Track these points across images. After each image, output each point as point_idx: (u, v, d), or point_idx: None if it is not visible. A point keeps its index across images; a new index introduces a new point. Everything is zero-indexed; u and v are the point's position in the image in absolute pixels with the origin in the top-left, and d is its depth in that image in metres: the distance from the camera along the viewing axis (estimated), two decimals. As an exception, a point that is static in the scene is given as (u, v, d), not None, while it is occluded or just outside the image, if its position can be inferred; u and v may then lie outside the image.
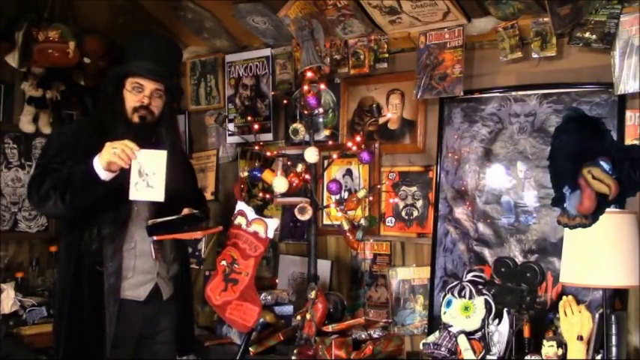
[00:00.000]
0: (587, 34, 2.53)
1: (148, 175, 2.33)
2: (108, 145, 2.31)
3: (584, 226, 2.21)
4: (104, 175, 2.32)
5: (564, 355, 2.34)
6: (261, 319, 2.81)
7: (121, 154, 2.29)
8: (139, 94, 2.51)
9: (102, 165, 2.31)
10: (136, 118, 2.52)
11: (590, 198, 2.17)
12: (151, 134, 2.57)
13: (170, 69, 2.68)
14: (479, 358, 2.46)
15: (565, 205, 2.24)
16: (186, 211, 2.54)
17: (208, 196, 3.73)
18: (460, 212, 2.92)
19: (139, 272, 2.53)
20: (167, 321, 2.65)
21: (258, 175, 2.90)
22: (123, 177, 2.36)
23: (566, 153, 2.26)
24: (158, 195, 2.35)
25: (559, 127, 2.34)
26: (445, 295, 2.65)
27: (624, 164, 2.18)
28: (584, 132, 2.25)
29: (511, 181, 2.80)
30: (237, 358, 2.74)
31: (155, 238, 2.50)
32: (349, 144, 2.83)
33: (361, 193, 2.80)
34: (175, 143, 2.67)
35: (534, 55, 2.72)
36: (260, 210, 3.43)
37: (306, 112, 2.90)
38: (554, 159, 2.31)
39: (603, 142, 2.24)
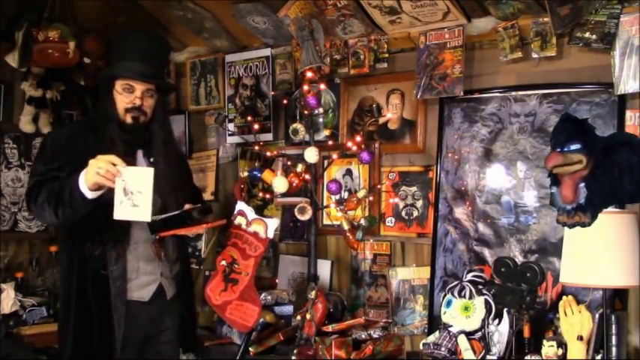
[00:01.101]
0: (587, 34, 2.53)
1: (133, 193, 2.23)
2: (92, 163, 2.25)
3: (583, 225, 2.21)
4: (90, 195, 2.29)
5: (564, 355, 2.34)
6: (261, 319, 2.81)
7: (106, 173, 2.23)
8: (130, 95, 2.50)
9: (87, 185, 2.27)
10: (128, 119, 2.51)
11: (567, 186, 2.19)
12: (145, 134, 2.57)
13: (159, 68, 2.67)
14: (479, 358, 2.46)
15: (556, 202, 2.26)
16: (187, 206, 2.54)
17: (208, 196, 3.73)
18: (460, 212, 2.92)
19: (143, 273, 2.53)
20: (170, 320, 2.66)
21: (258, 175, 2.90)
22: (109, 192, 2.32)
23: None
24: (144, 214, 2.24)
25: (551, 133, 2.36)
26: (445, 295, 2.65)
27: (597, 149, 2.18)
28: (570, 133, 2.26)
29: (511, 181, 2.80)
30: (237, 358, 2.74)
31: (158, 235, 2.51)
32: (349, 144, 2.83)
33: (361, 193, 2.80)
34: (168, 142, 2.66)
35: (534, 55, 2.72)
36: (260, 210, 3.42)
37: (306, 112, 2.90)
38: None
39: (586, 138, 2.24)
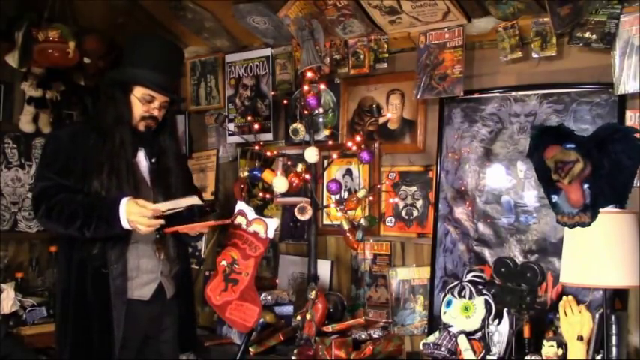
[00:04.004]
0: (587, 34, 2.53)
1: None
2: (133, 213, 2.32)
3: (583, 225, 2.21)
4: (127, 226, 2.36)
5: (564, 355, 2.34)
6: (261, 319, 2.81)
7: (148, 227, 2.35)
8: (148, 104, 2.51)
9: (128, 223, 2.34)
10: (141, 127, 2.52)
11: (572, 191, 2.19)
12: (151, 139, 2.59)
13: (177, 79, 2.68)
14: (479, 358, 2.46)
15: (562, 209, 2.27)
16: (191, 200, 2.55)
17: (208, 196, 3.73)
18: (460, 212, 2.92)
19: (144, 272, 2.53)
20: (170, 319, 2.66)
21: (258, 175, 2.90)
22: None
23: (538, 171, 2.34)
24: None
25: (529, 148, 2.39)
26: (445, 295, 2.66)
27: (590, 148, 2.18)
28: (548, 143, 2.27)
29: (511, 181, 2.80)
30: (237, 358, 2.74)
31: (163, 231, 2.50)
32: (349, 144, 2.83)
33: (361, 193, 2.81)
34: (178, 151, 2.71)
35: (534, 55, 2.72)
36: (260, 210, 3.43)
37: (306, 112, 2.91)
38: (537, 176, 2.38)
39: (575, 140, 2.26)
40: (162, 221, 2.38)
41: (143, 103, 2.50)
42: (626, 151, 2.18)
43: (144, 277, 2.53)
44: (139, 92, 2.49)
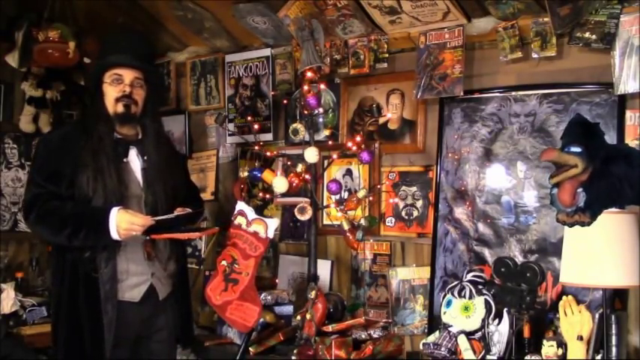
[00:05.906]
0: (587, 34, 2.52)
1: None
2: (124, 220, 2.36)
3: (583, 224, 2.20)
4: (120, 238, 2.40)
5: (564, 355, 2.34)
6: (261, 319, 2.81)
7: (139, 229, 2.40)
8: (119, 85, 2.53)
9: (118, 234, 2.38)
10: (119, 108, 2.53)
11: (565, 190, 2.18)
12: (135, 127, 2.60)
13: (145, 58, 2.69)
14: (479, 358, 2.46)
15: (556, 203, 2.26)
16: (179, 210, 2.54)
17: (208, 196, 3.73)
18: (460, 212, 2.92)
19: (133, 274, 2.53)
20: (164, 320, 2.65)
21: (258, 175, 2.90)
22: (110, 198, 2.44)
23: None
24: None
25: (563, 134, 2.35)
26: (445, 295, 2.65)
27: (597, 157, 2.17)
28: (575, 134, 2.26)
29: (511, 181, 2.80)
30: (237, 358, 2.74)
31: (151, 237, 2.50)
32: (349, 144, 2.83)
33: (361, 193, 2.80)
34: (160, 134, 2.71)
35: (534, 55, 2.72)
36: (260, 210, 3.42)
37: (306, 112, 2.90)
38: None
39: (589, 144, 2.24)
40: (152, 221, 2.41)
41: (115, 86, 2.53)
42: (628, 177, 2.17)
43: (133, 279, 2.53)
44: (108, 78, 2.54)
